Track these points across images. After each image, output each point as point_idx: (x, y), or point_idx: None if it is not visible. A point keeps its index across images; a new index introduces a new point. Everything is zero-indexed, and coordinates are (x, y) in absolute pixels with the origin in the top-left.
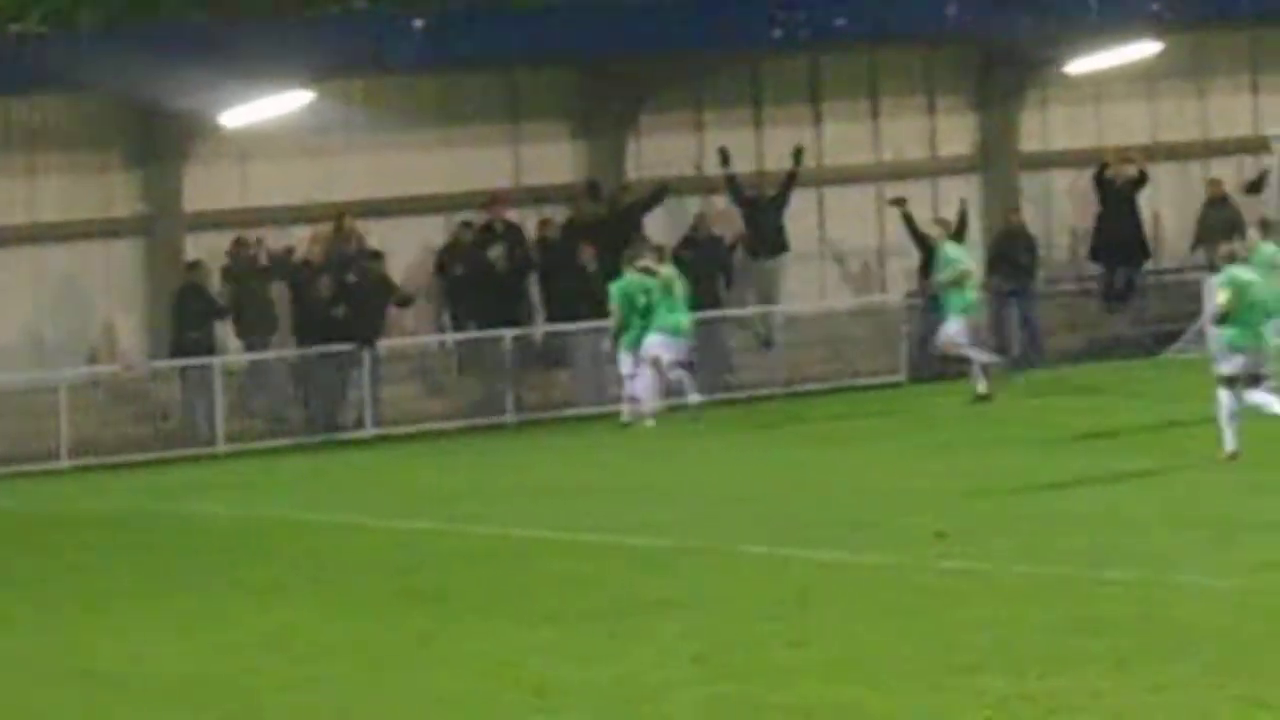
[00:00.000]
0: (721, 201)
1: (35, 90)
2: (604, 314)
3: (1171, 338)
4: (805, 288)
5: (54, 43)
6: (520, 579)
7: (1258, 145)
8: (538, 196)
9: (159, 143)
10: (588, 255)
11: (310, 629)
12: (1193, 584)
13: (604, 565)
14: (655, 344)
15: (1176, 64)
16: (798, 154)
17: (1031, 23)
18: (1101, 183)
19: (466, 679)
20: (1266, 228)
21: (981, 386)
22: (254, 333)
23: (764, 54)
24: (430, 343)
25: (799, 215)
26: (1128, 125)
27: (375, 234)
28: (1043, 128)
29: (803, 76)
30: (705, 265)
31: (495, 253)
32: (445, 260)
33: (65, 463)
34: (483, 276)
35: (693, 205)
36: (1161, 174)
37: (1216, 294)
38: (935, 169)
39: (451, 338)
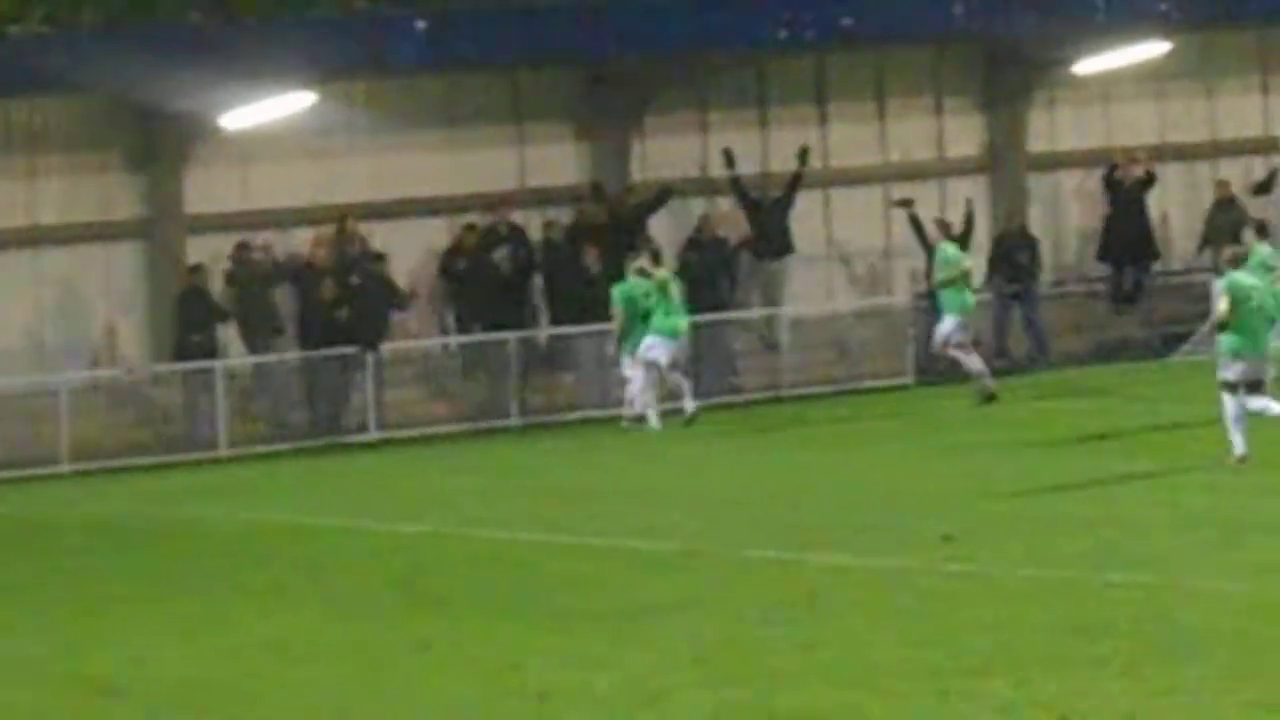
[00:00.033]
0: (726, 203)
1: (35, 92)
2: (608, 317)
3: (1180, 340)
4: (811, 289)
5: (54, 44)
6: (523, 583)
7: (1267, 146)
8: (541, 198)
9: (159, 145)
10: (592, 257)
11: (311, 633)
12: (1201, 587)
13: (608, 569)
14: (651, 346)
15: (1185, 64)
16: (803, 155)
17: (1039, 23)
18: (1110, 183)
19: (469, 683)
20: (1263, 230)
21: (988, 384)
22: (259, 337)
23: (769, 54)
24: (434, 346)
25: (805, 216)
26: (1136, 126)
27: (378, 236)
28: (1050, 128)
29: (808, 77)
30: (709, 267)
31: (500, 255)
32: (449, 263)
33: (65, 467)
34: (487, 279)
35: (697, 207)
36: (1170, 175)
37: (1218, 300)
38: (942, 170)
39: (455, 340)
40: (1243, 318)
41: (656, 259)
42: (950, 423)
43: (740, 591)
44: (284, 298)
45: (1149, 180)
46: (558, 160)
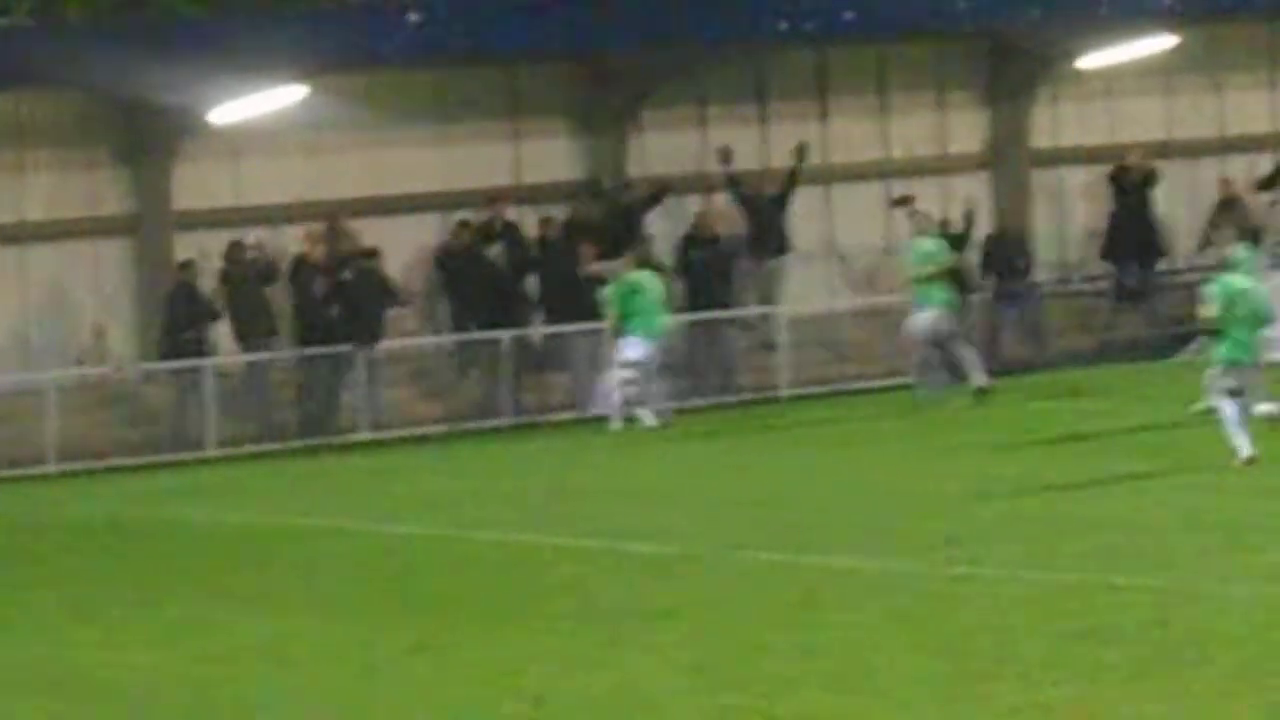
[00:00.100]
0: (723, 200)
1: (22, 86)
2: (604, 315)
3: (1186, 339)
4: (811, 288)
5: (40, 37)
6: (519, 585)
7: (1276, 142)
8: (537, 195)
9: (148, 140)
10: (588, 255)
11: (303, 636)
12: (1208, 591)
13: (604, 571)
14: (628, 346)
15: (1192, 58)
16: (800, 152)
17: (1043, 16)
18: (1114, 180)
19: (463, 687)
20: (1229, 260)
21: (979, 379)
22: (253, 336)
23: (769, 48)
24: (426, 344)
25: (805, 214)
26: (1142, 121)
27: (370, 233)
28: (1054, 124)
29: (809, 71)
30: (706, 265)
31: (495, 251)
32: (444, 260)
33: (53, 467)
34: (482, 276)
35: (695, 204)
36: (1177, 171)
37: (1204, 304)
38: (945, 166)
39: (449, 339)
40: (1234, 323)
41: (642, 260)
42: (952, 423)
43: (738, 595)
44: (277, 296)
45: (1153, 177)
46: (553, 156)
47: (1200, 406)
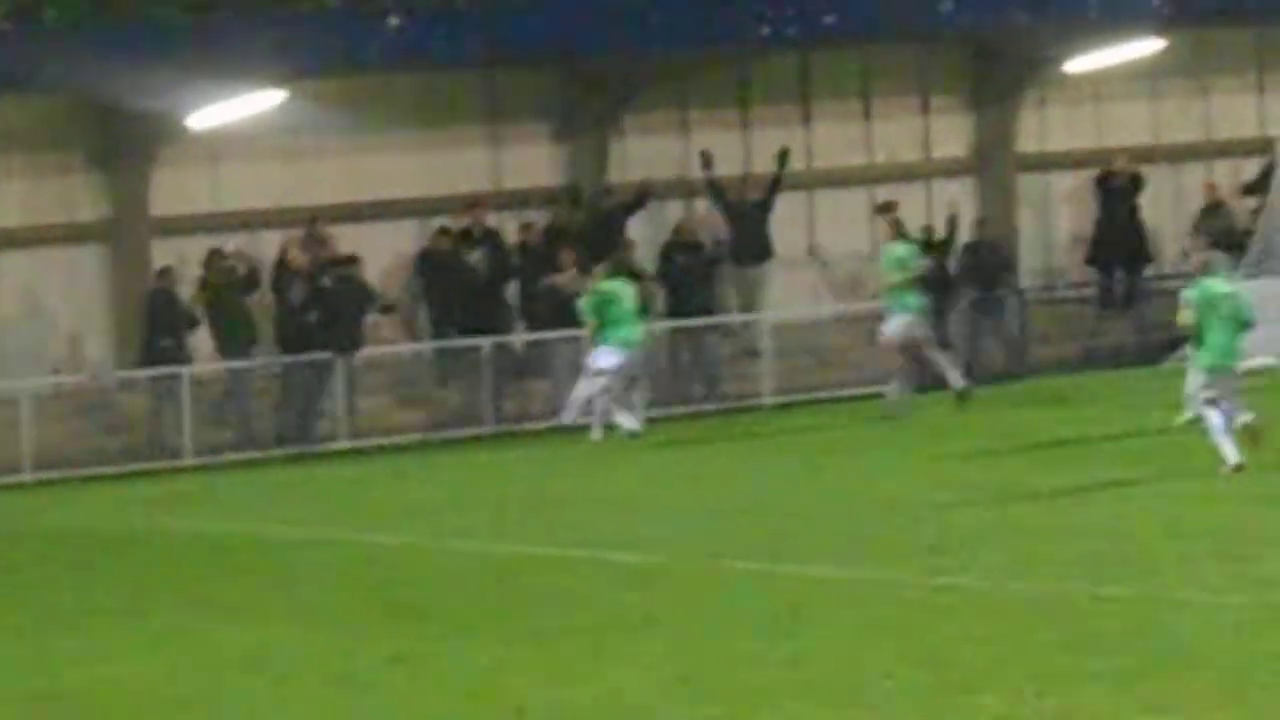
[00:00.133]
0: (705, 206)
1: None
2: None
3: (1172, 346)
4: (795, 294)
5: (15, 41)
6: (500, 595)
7: (1263, 146)
8: (517, 200)
9: (124, 145)
10: (569, 261)
11: (282, 648)
12: (1195, 600)
13: (587, 581)
14: (600, 355)
15: (1179, 62)
16: (782, 157)
17: (1029, 19)
18: (1100, 185)
19: (444, 698)
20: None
21: (893, 396)
22: (233, 345)
23: (751, 52)
24: (406, 351)
25: (789, 219)
26: (1128, 125)
27: (349, 239)
28: (1041, 128)
29: (792, 75)
30: (688, 271)
31: (476, 258)
32: (424, 265)
33: (28, 476)
34: (462, 283)
35: (677, 210)
36: (1163, 176)
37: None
38: (929, 171)
39: (429, 346)
40: (1214, 327)
41: (615, 268)
42: (938, 430)
43: (721, 605)
44: (257, 304)
45: (1139, 181)
46: (534, 161)
47: (1184, 419)
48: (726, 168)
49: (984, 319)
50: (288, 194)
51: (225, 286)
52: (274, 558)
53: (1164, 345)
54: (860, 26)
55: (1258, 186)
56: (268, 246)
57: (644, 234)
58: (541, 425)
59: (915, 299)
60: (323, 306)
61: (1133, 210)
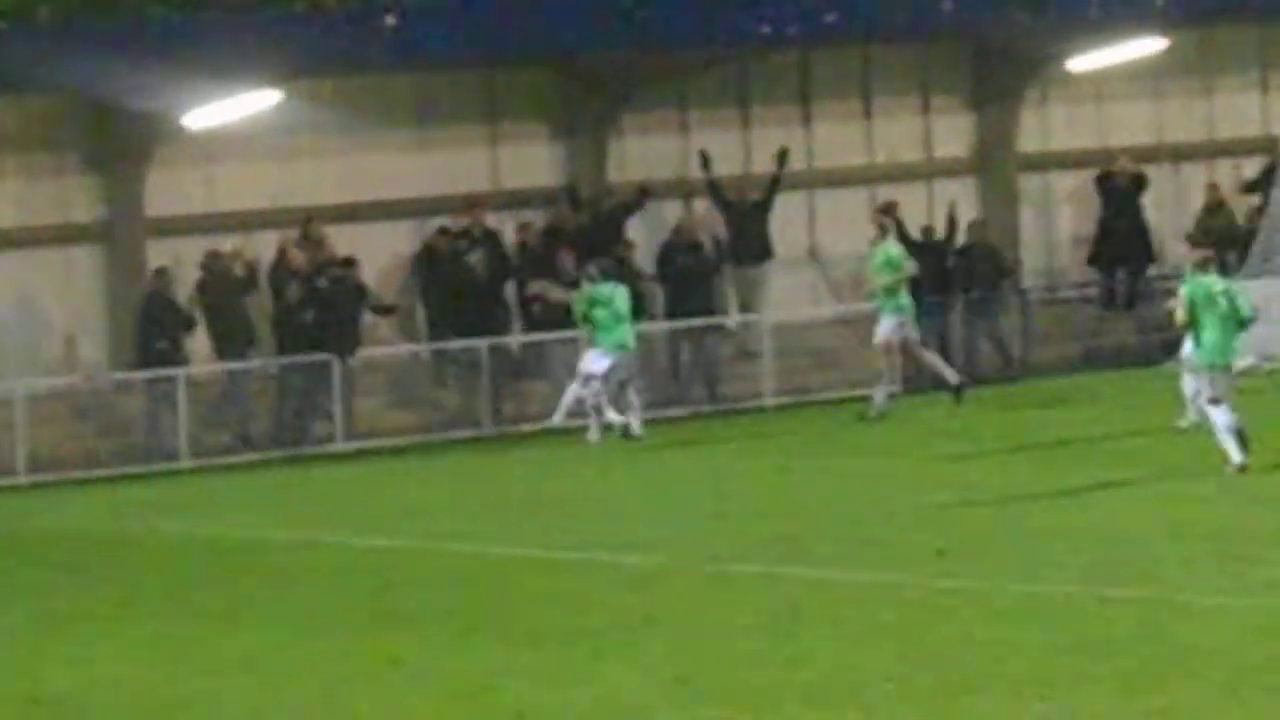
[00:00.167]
0: (706, 205)
1: None
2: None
3: (1174, 346)
4: (795, 295)
5: (9, 40)
6: (498, 598)
7: (1267, 145)
8: (516, 200)
9: (120, 145)
10: (567, 262)
11: (279, 650)
12: (1199, 603)
13: (585, 584)
14: (590, 360)
15: (1182, 61)
16: (782, 156)
17: (1031, 18)
18: (1101, 184)
19: (442, 702)
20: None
21: (879, 399)
22: (231, 346)
23: (751, 51)
24: (404, 353)
25: (789, 220)
26: (1131, 125)
27: (346, 239)
28: (1042, 127)
29: (792, 74)
30: (688, 272)
31: (475, 258)
32: (421, 267)
33: (22, 478)
34: (460, 284)
35: (676, 210)
36: (1166, 175)
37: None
38: (930, 171)
39: (426, 347)
40: (1210, 324)
41: (603, 271)
42: (940, 432)
43: (721, 607)
44: (255, 305)
45: (1142, 181)
46: (532, 161)
47: (1187, 423)
48: (726, 168)
49: (978, 320)
50: (284, 194)
51: (223, 288)
52: (270, 560)
53: (1166, 346)
54: (861, 25)
55: (1258, 185)
56: (264, 247)
57: (643, 234)
58: (539, 427)
59: (905, 300)
60: (319, 307)
61: (1136, 210)
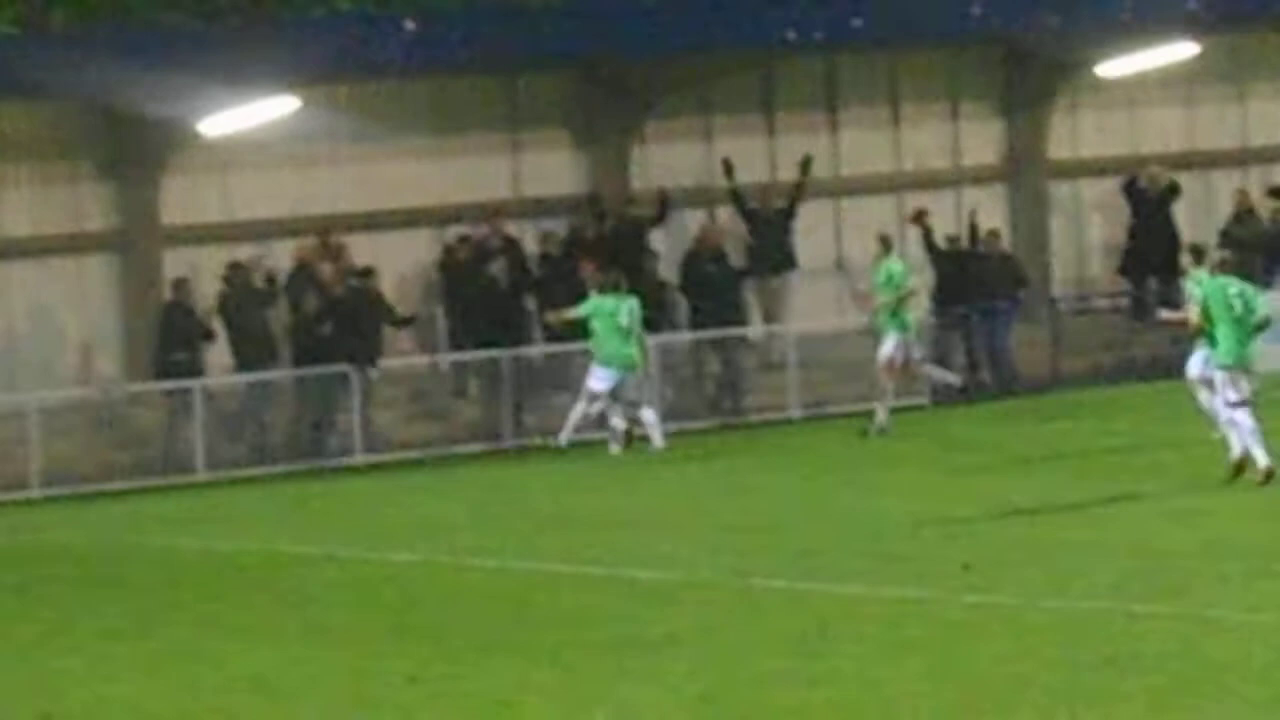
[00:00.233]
0: (729, 214)
1: (3, 97)
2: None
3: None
4: (821, 305)
5: (23, 46)
6: (518, 614)
7: None
8: (537, 209)
9: (134, 152)
10: (589, 272)
11: (296, 667)
12: (1231, 619)
13: (608, 599)
14: (592, 376)
15: (1215, 66)
16: (805, 164)
17: (1061, 23)
18: (1133, 193)
19: None
20: (1199, 254)
21: (881, 417)
22: (251, 358)
23: (777, 56)
24: (423, 364)
25: (815, 228)
26: (1163, 131)
27: (365, 248)
28: (1073, 134)
29: (818, 80)
30: (712, 282)
31: (498, 268)
32: (442, 276)
33: (36, 492)
34: (482, 294)
35: (700, 219)
36: (1199, 183)
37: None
38: (959, 178)
39: (447, 358)
40: (1226, 327)
41: (607, 285)
42: (966, 444)
43: (745, 623)
44: (274, 317)
45: (1174, 189)
46: (554, 168)
47: (1219, 434)
48: (751, 175)
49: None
50: (301, 203)
51: (245, 299)
52: (286, 575)
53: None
54: (888, 30)
55: None
56: (282, 257)
57: (665, 243)
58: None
59: (909, 319)
60: (338, 318)
61: (1167, 219)
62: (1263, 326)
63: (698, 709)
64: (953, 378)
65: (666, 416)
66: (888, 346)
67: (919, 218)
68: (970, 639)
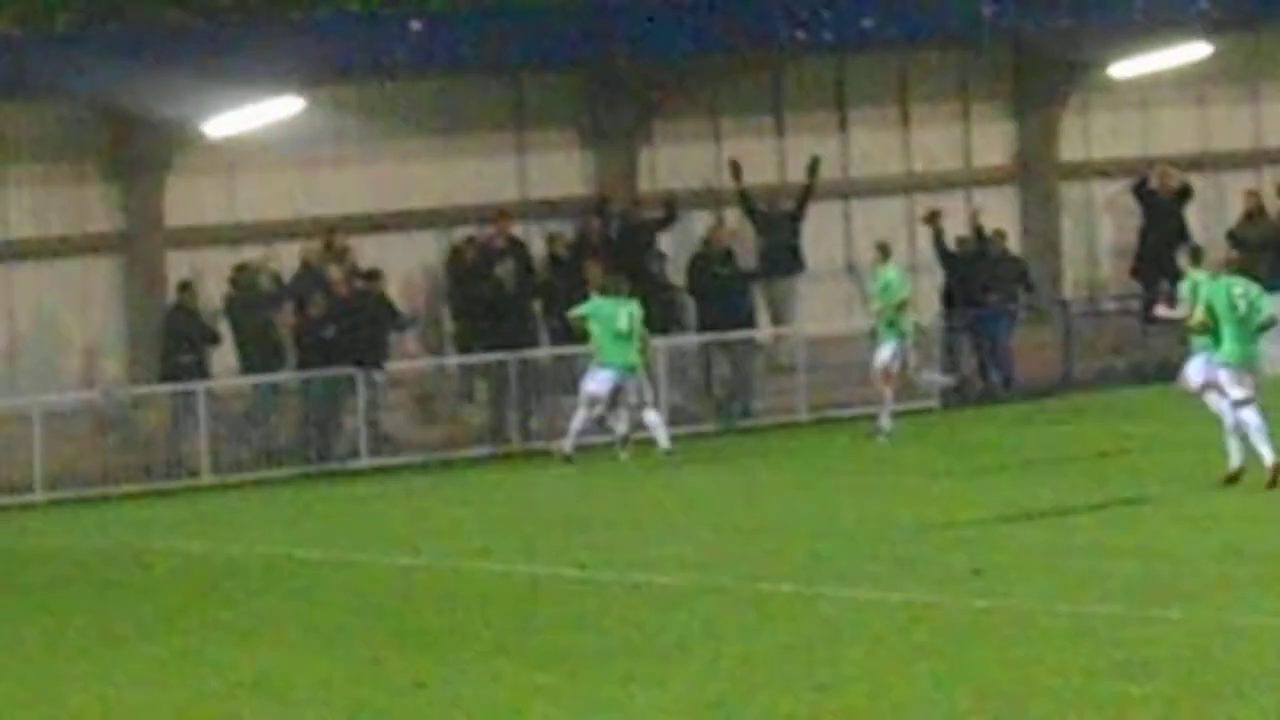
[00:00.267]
0: (738, 216)
1: (6, 97)
2: None
3: None
4: (831, 307)
5: (26, 46)
6: (526, 619)
7: None
8: (544, 210)
9: (139, 153)
10: (596, 274)
11: (300, 672)
12: (1246, 623)
13: (615, 604)
14: (589, 379)
15: (1228, 67)
16: (813, 166)
17: (1073, 23)
18: (1144, 195)
19: None
20: (1196, 255)
21: (885, 423)
22: (258, 361)
23: (786, 57)
24: (430, 366)
25: (824, 230)
26: (1175, 132)
27: (370, 250)
28: (1085, 135)
29: (827, 81)
30: (721, 284)
31: (504, 270)
32: (449, 279)
33: (39, 495)
34: (489, 296)
35: (707, 220)
36: (1211, 184)
37: (1197, 306)
38: (970, 180)
39: (453, 361)
40: (1230, 327)
41: (605, 287)
42: (978, 448)
43: (754, 628)
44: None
45: (1186, 192)
46: (561, 170)
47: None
48: (760, 177)
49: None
50: (307, 204)
51: (252, 302)
52: (291, 580)
53: None
54: (898, 30)
55: None
56: (287, 258)
57: (673, 245)
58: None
59: (906, 326)
60: (344, 320)
61: (1179, 220)
62: (1267, 326)
63: (707, 716)
64: (946, 378)
65: (674, 419)
66: (884, 354)
67: (933, 218)
68: (981, 644)
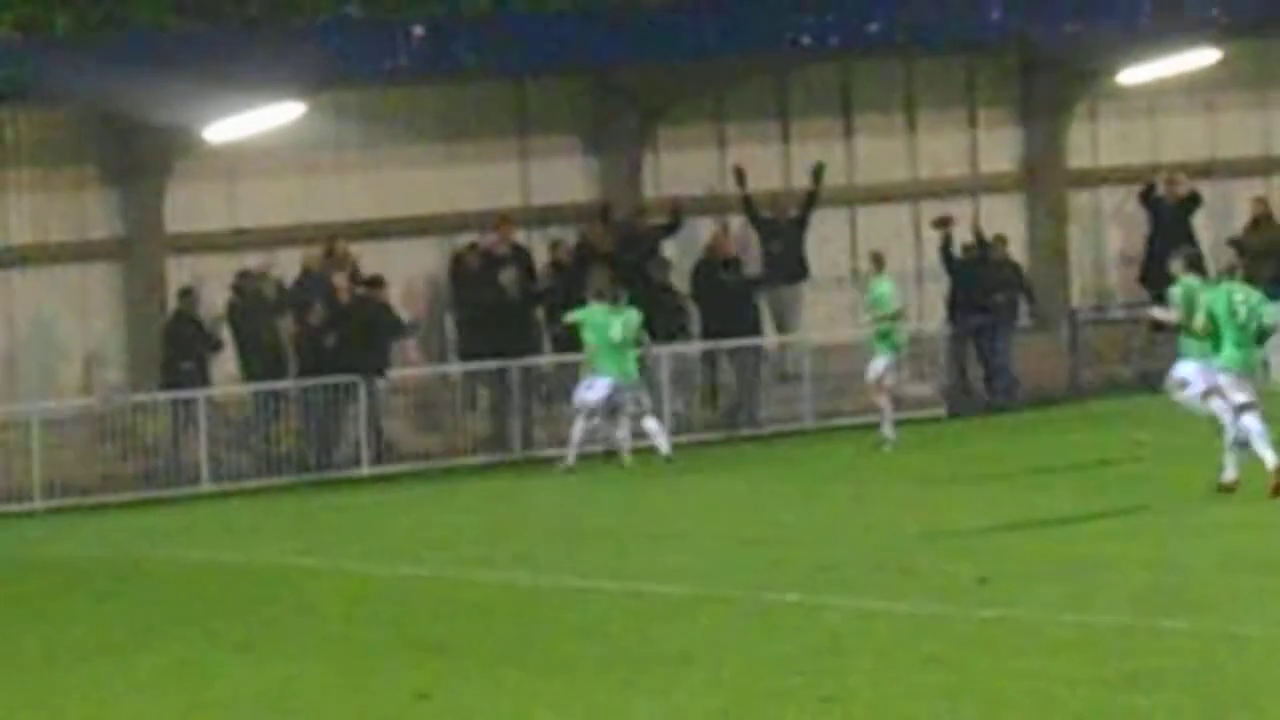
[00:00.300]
0: (742, 222)
1: (5, 102)
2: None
3: None
4: (836, 315)
5: (25, 51)
6: (528, 629)
7: None
8: (547, 217)
9: (139, 159)
10: (599, 281)
11: (299, 684)
12: (1257, 635)
13: (618, 614)
14: (583, 388)
15: (1236, 73)
16: (817, 172)
17: (1080, 29)
18: (1152, 202)
19: None
20: (1191, 261)
21: (889, 434)
22: (260, 369)
23: (791, 62)
24: (431, 374)
25: (830, 237)
26: (1184, 139)
27: (372, 257)
28: (1092, 142)
29: (833, 87)
30: (725, 291)
31: (507, 277)
32: (452, 285)
33: (38, 503)
34: (491, 303)
35: (711, 227)
36: (1220, 191)
37: (1197, 314)
38: (976, 186)
39: (455, 368)
40: (1230, 333)
41: (599, 294)
42: (985, 456)
43: (759, 638)
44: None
45: (1194, 199)
46: (564, 176)
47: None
48: (765, 183)
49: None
50: (308, 210)
51: (254, 309)
52: (292, 589)
53: None
54: (905, 36)
55: None
56: (288, 265)
57: (677, 252)
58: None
59: (900, 339)
60: (345, 328)
61: (1186, 228)
62: (1267, 333)
63: None
64: (927, 389)
65: (678, 428)
66: (878, 366)
67: (944, 223)
68: (988, 654)
